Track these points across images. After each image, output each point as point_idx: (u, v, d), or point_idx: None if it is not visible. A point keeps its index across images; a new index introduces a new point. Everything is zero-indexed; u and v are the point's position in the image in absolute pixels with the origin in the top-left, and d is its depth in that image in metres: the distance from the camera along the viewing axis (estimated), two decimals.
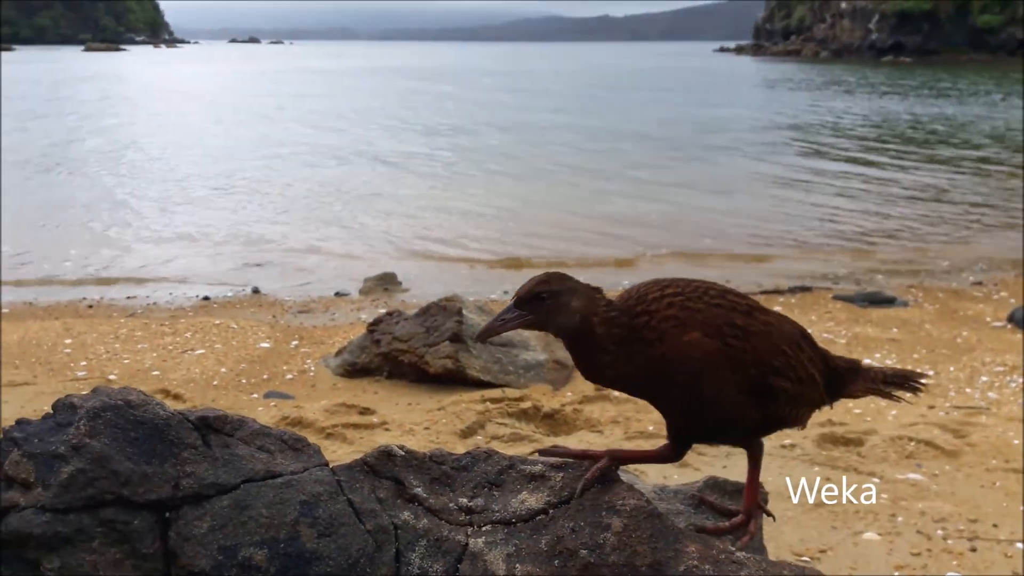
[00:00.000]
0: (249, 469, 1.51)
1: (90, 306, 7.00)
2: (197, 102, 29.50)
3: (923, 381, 1.84)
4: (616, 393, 4.57)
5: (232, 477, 1.48)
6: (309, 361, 5.40)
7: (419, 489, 1.59)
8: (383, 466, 1.62)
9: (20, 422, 1.47)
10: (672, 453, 1.65)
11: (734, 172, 13.79)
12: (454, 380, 4.82)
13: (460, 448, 4.00)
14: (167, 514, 1.42)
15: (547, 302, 1.50)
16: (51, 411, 1.49)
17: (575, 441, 3.91)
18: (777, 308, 6.80)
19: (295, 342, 5.82)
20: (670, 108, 25.41)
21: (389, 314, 5.38)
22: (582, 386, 4.80)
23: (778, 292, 7.43)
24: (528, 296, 1.51)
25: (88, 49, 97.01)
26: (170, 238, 9.73)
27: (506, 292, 7.51)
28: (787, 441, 3.92)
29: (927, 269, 8.39)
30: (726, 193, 12.04)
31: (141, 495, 1.41)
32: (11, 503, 1.38)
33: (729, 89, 36.39)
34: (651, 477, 3.30)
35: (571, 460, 1.65)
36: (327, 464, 1.61)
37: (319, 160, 15.37)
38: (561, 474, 1.60)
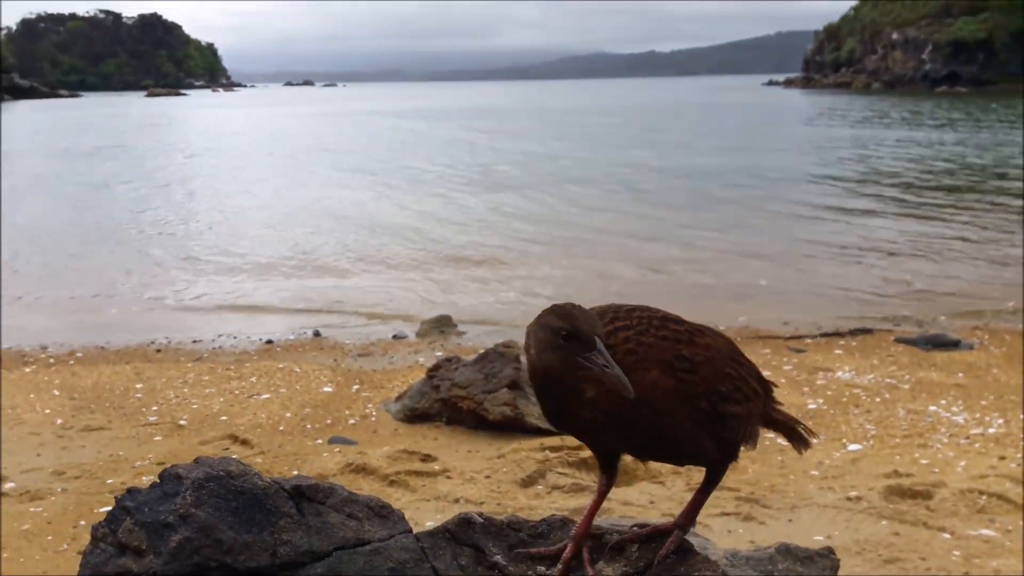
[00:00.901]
0: (340, 537, 1.58)
1: (158, 350, 7.25)
2: (246, 147, 30.41)
3: (811, 441, 1.76)
4: None
5: (325, 545, 1.56)
6: (370, 406, 5.51)
7: (498, 556, 1.64)
8: (463, 533, 1.68)
9: (131, 491, 1.57)
10: (609, 481, 1.66)
11: (781, 223, 13.53)
12: (513, 427, 4.87)
13: (521, 497, 4.04)
14: None
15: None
16: (158, 480, 1.59)
17: (637, 493, 3.92)
18: (838, 352, 6.72)
19: (356, 386, 5.94)
20: (714, 154, 24.98)
21: (448, 360, 5.47)
22: None
23: (838, 334, 7.33)
24: (602, 333, 1.41)
25: (150, 94, 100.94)
26: (226, 282, 10.02)
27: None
28: (853, 494, 3.87)
29: (992, 310, 8.19)
30: (773, 244, 11.81)
31: (242, 563, 1.49)
32: (124, 569, 1.47)
33: (775, 128, 35.88)
34: (720, 536, 3.29)
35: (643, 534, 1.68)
36: (411, 531, 1.67)
37: (356, 209, 15.65)
38: (636, 545, 1.64)
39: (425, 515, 3.80)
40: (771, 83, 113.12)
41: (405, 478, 4.24)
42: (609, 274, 9.93)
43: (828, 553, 1.81)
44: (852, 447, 4.64)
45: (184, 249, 11.89)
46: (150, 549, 1.47)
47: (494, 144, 28.76)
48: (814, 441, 1.77)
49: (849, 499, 3.82)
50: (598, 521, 1.85)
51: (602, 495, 1.70)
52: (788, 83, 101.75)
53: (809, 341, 7.14)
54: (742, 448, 1.67)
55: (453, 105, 67.35)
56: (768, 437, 4.87)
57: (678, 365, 1.50)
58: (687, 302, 8.54)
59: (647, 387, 1.45)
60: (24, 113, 54.41)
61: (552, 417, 1.52)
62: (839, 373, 6.10)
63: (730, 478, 4.27)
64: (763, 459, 4.47)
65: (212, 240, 12.53)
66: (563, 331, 1.40)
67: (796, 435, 1.78)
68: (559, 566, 1.60)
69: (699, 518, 3.68)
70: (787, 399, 5.58)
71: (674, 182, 18.06)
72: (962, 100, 52.44)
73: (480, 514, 1.73)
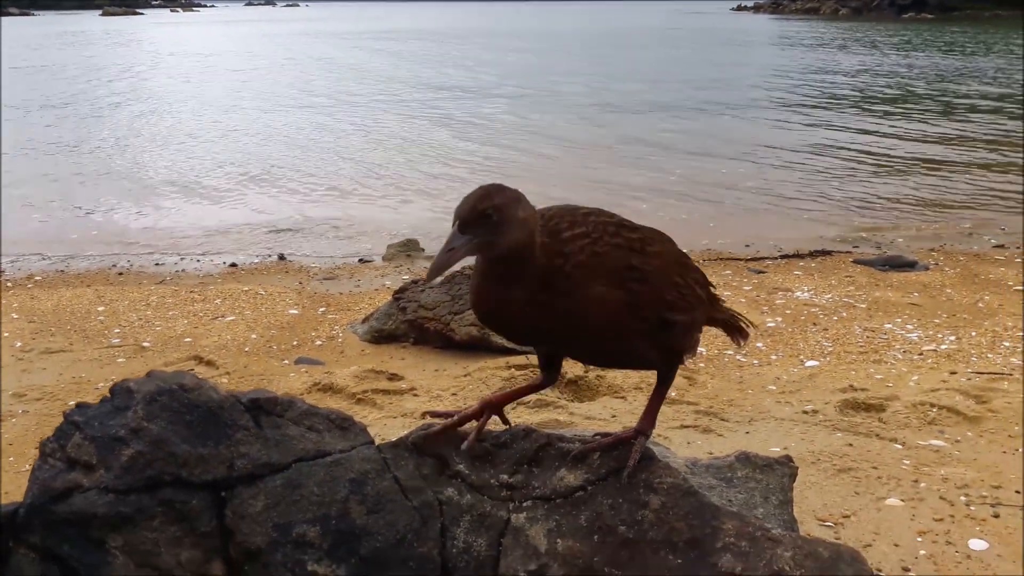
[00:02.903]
0: (300, 449, 1.57)
1: (120, 273, 7.11)
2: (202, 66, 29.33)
3: (748, 333, 1.90)
4: None
5: (284, 457, 1.55)
6: (337, 327, 5.48)
7: (461, 466, 1.65)
8: (425, 444, 1.68)
9: (80, 406, 1.54)
10: (546, 380, 1.71)
11: (740, 140, 13.51)
12: (479, 347, 4.88)
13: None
14: (223, 493, 1.49)
15: (494, 218, 1.34)
16: (109, 395, 1.56)
17: (599, 408, 3.97)
18: (797, 272, 6.80)
19: (322, 308, 5.90)
20: (671, 81, 24.41)
21: (414, 282, 5.43)
22: None
23: (798, 256, 7.41)
24: (473, 216, 1.33)
25: (105, 13, 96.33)
26: (190, 203, 9.81)
27: None
28: (809, 407, 3.96)
29: (948, 232, 8.32)
30: (735, 161, 11.85)
31: (197, 476, 1.48)
32: (75, 483, 1.45)
33: (735, 53, 35.18)
34: (679, 448, 3.35)
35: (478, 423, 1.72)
36: (373, 442, 1.67)
37: (317, 129, 15.29)
38: (599, 453, 1.65)
39: (392, 431, 3.82)
40: (740, 8, 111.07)
41: (372, 396, 4.25)
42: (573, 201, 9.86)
43: (787, 461, 1.85)
44: (809, 363, 4.73)
45: (143, 172, 11.57)
46: (101, 463, 1.45)
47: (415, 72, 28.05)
48: (751, 332, 1.85)
49: (805, 412, 3.91)
50: (563, 431, 1.86)
51: (533, 388, 1.74)
52: (757, 8, 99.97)
53: (769, 263, 7.21)
54: (685, 356, 1.70)
55: (414, 27, 65.27)
56: (727, 353, 4.96)
57: (628, 275, 1.49)
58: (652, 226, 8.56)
59: (590, 301, 1.45)
60: None
61: (482, 304, 1.47)
62: (798, 293, 6.18)
63: (689, 392, 4.34)
64: (722, 374, 4.55)
65: (170, 162, 12.19)
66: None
67: (736, 329, 1.86)
68: (455, 417, 1.67)
69: (659, 431, 3.74)
70: (747, 318, 5.68)
71: (630, 106, 17.79)
72: (926, 26, 52.09)
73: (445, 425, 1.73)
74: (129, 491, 1.43)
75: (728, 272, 6.77)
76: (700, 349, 4.91)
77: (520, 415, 3.90)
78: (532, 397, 4.09)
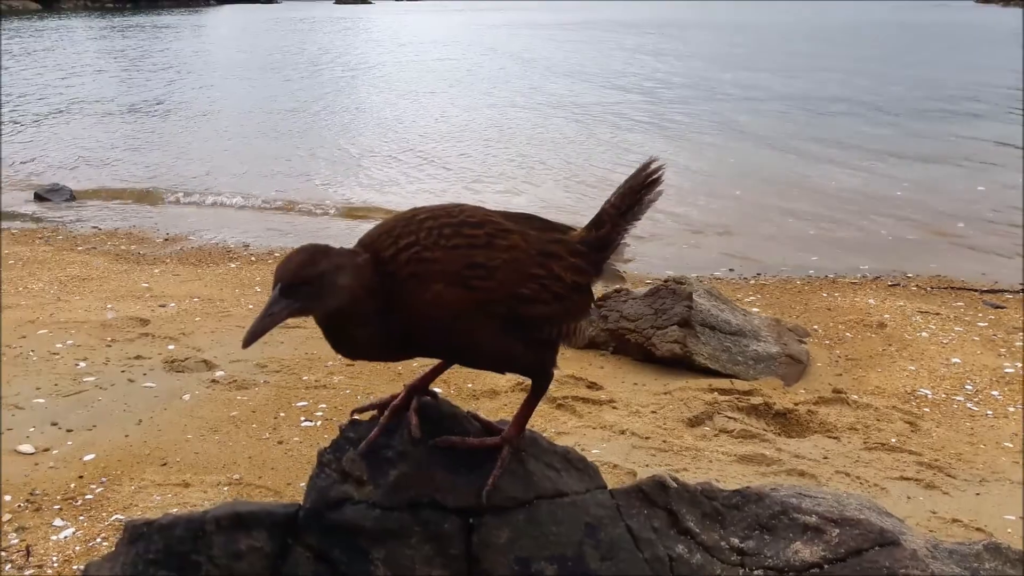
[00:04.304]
0: (540, 486, 1.66)
1: None
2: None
3: (654, 167, 1.67)
4: (855, 396, 4.39)
5: (526, 492, 1.64)
6: None
7: (691, 523, 1.67)
8: (657, 495, 1.71)
9: (354, 423, 1.71)
10: (538, 389, 1.70)
11: (981, 160, 12.20)
12: (680, 364, 4.84)
13: (688, 436, 4.04)
14: (471, 520, 1.60)
15: (313, 285, 1.41)
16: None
17: (809, 447, 3.81)
18: None
19: None
20: (910, 83, 22.64)
21: (616, 291, 5.46)
22: (816, 384, 4.64)
23: None
24: (294, 282, 1.41)
25: (338, 1, 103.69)
26: (415, 188, 10.41)
27: (731, 269, 7.34)
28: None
29: None
30: (974, 184, 10.75)
31: (451, 501, 1.60)
32: (347, 495, 1.62)
33: (980, 56, 31.61)
34: (897, 502, 3.15)
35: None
36: (606, 487, 1.73)
37: (536, 115, 15.57)
38: (838, 530, 1.61)
39: (591, 442, 3.90)
40: (986, 0, 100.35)
41: (572, 403, 4.35)
42: (783, 219, 9.43)
43: None
44: None
45: (374, 161, 12.43)
46: (370, 480, 1.61)
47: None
48: (655, 167, 1.69)
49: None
50: (791, 490, 1.82)
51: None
52: (1007, 1, 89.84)
53: (1009, 296, 6.54)
54: (561, 348, 1.67)
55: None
56: (956, 399, 4.58)
57: (470, 274, 1.47)
58: (873, 248, 8.03)
59: (426, 305, 1.45)
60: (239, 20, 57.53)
61: (336, 349, 1.54)
62: None
63: (912, 440, 4.06)
64: (949, 423, 4.22)
65: (403, 152, 13.00)
66: None
67: (647, 189, 1.72)
68: (387, 412, 1.68)
69: (876, 480, 3.54)
70: (980, 360, 5.19)
71: (855, 114, 16.60)
72: None
73: (674, 478, 1.76)
74: (393, 508, 1.58)
75: (960, 304, 6.23)
76: (925, 392, 4.58)
77: (724, 444, 3.84)
78: (737, 427, 4.01)
